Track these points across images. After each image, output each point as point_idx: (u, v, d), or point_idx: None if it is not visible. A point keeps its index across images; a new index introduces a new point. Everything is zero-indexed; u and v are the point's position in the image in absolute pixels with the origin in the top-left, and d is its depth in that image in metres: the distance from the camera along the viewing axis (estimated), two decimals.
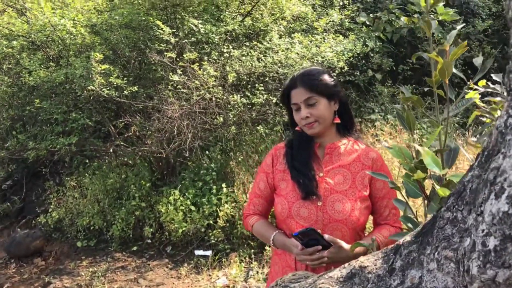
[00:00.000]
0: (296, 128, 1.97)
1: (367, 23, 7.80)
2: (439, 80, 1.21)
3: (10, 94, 4.93)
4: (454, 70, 1.23)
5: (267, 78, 5.07)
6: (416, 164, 1.17)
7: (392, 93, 7.92)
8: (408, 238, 0.94)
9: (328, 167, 1.88)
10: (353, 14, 7.62)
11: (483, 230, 0.72)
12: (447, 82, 1.15)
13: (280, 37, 5.73)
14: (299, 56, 5.03)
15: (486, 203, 0.73)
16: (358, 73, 7.63)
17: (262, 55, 5.17)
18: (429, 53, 1.25)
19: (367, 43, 7.15)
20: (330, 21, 6.18)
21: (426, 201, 1.27)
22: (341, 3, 7.18)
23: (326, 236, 1.71)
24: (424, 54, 1.28)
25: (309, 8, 6.02)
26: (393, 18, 7.76)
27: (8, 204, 7.17)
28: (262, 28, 5.36)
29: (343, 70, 5.93)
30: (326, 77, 1.88)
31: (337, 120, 1.94)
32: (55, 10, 4.70)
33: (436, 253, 0.83)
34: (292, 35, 5.35)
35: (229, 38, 5.14)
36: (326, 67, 5.78)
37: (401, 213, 1.36)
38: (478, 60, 1.32)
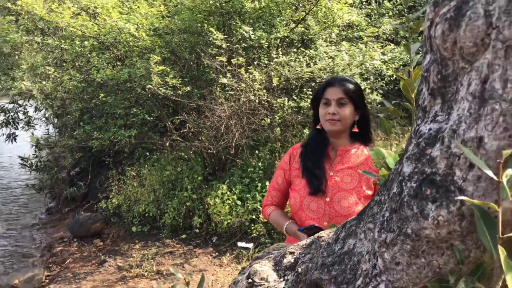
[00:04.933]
0: (317, 126, 2.21)
1: None
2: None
3: (81, 89, 5.50)
4: None
5: (314, 83, 5.32)
6: (384, 163, 1.43)
7: None
8: (354, 216, 1.20)
9: (338, 167, 2.13)
10: (411, 23, 7.67)
11: (386, 206, 0.98)
12: (413, 97, 1.39)
13: (332, 43, 5.96)
14: (346, 64, 5.24)
15: (392, 188, 0.99)
16: None
17: (311, 62, 5.42)
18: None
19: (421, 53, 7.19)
20: (382, 30, 6.31)
21: None
22: (396, 12, 7.27)
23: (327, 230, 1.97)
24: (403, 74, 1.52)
25: (362, 17, 6.19)
26: None
27: (75, 189, 7.87)
28: (311, 35, 5.61)
29: (391, 79, 6.05)
30: (359, 90, 2.15)
31: (355, 129, 2.17)
32: (122, 14, 5.20)
33: (365, 226, 1.09)
34: (341, 43, 5.56)
35: (279, 44, 5.43)
36: (377, 75, 5.96)
37: None
38: None
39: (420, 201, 0.88)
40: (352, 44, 5.76)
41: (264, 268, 1.26)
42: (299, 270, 1.19)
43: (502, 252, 0.73)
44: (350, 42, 6.16)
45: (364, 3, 7.13)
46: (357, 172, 2.11)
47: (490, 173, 0.74)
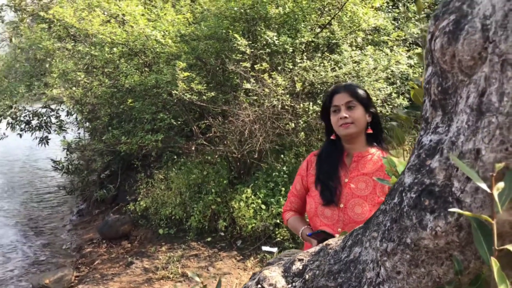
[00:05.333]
0: (331, 137, 2.23)
1: None
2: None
3: (110, 94, 5.65)
4: None
5: None
6: (395, 172, 1.43)
7: None
8: (362, 224, 1.22)
9: (353, 174, 2.14)
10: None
11: (387, 215, 1.00)
12: None
13: (358, 48, 5.94)
14: (371, 68, 5.21)
15: (394, 198, 1.01)
16: None
17: (337, 66, 5.42)
18: None
19: None
20: (409, 33, 6.25)
21: None
22: (424, 15, 7.16)
23: (336, 235, 1.98)
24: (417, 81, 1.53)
25: (388, 21, 6.15)
26: None
27: (105, 191, 8.05)
28: (336, 40, 5.61)
29: None
30: (366, 93, 2.19)
31: (370, 131, 2.19)
32: (150, 21, 5.32)
33: (370, 235, 1.11)
34: (366, 48, 5.54)
35: (304, 49, 5.45)
36: (403, 79, 5.92)
37: None
38: None
39: (419, 211, 0.89)
40: (378, 48, 5.73)
41: (273, 274, 1.29)
42: (307, 277, 1.22)
43: (495, 263, 0.74)
44: (376, 46, 6.13)
45: (391, 6, 7.07)
46: (372, 179, 2.11)
47: (484, 186, 0.75)
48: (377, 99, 5.10)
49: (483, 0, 0.84)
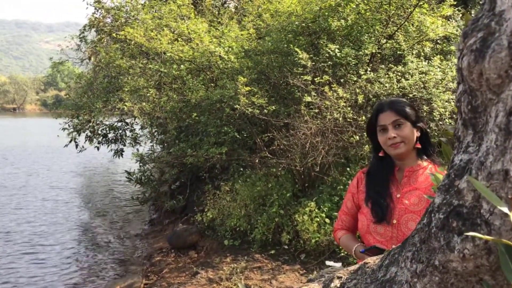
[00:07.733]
0: (380, 154, 2.19)
1: None
2: None
3: (178, 109, 5.88)
4: None
5: (406, 99, 5.19)
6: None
7: None
8: (400, 244, 1.20)
9: (405, 189, 2.09)
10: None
11: (417, 236, 0.98)
12: None
13: (426, 59, 5.77)
14: (439, 79, 5.05)
15: (423, 218, 0.99)
16: None
17: (403, 77, 5.29)
18: None
19: None
20: None
21: None
22: None
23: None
24: None
25: (458, 30, 5.93)
26: None
27: (175, 202, 8.33)
28: (401, 51, 5.49)
29: None
30: (411, 107, 2.10)
31: (418, 145, 2.13)
32: (216, 37, 5.50)
33: (405, 254, 1.09)
34: (432, 58, 5.37)
35: (370, 60, 5.37)
36: None
37: None
38: None
39: (446, 233, 0.87)
40: (447, 58, 5.54)
41: None
42: None
43: None
44: (447, 55, 5.93)
45: (462, 15, 6.81)
46: (424, 193, 2.05)
47: (505, 209, 0.73)
48: (445, 111, 4.92)
49: (511, 17, 0.81)
